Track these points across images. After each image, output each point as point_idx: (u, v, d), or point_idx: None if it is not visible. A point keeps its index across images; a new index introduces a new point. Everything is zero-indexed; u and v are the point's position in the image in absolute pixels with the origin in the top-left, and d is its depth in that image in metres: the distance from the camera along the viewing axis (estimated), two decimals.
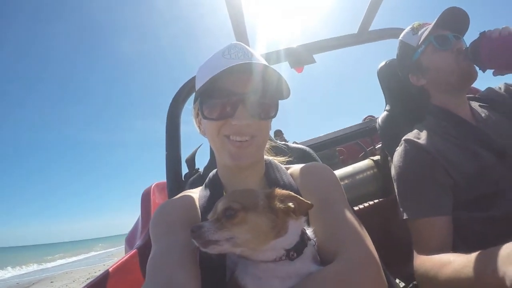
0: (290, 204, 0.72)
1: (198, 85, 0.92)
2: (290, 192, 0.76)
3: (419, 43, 1.34)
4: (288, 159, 1.17)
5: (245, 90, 0.86)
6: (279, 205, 0.72)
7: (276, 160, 1.11)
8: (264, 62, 0.92)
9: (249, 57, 0.89)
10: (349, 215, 0.81)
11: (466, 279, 0.84)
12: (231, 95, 0.86)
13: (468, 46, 1.23)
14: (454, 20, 1.29)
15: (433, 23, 1.31)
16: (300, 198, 0.74)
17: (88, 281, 1.16)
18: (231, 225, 0.67)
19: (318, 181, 0.93)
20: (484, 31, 1.17)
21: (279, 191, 0.76)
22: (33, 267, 20.76)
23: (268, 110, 0.91)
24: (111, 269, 1.25)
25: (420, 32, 1.36)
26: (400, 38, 1.46)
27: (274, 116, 0.94)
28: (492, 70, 1.19)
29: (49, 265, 21.78)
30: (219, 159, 0.98)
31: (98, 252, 32.10)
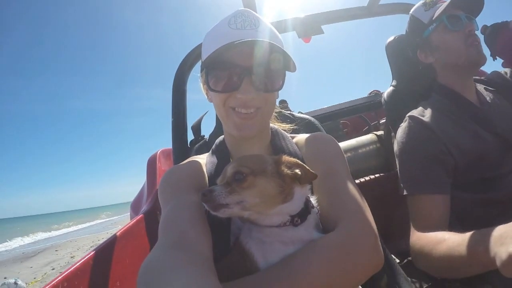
0: (297, 170, 0.73)
1: (204, 54, 0.91)
2: (297, 160, 0.77)
3: (432, 19, 1.30)
4: (294, 127, 1.18)
5: (250, 63, 0.85)
6: (286, 171, 0.73)
7: (282, 127, 1.12)
8: (272, 29, 0.92)
9: (256, 26, 0.87)
10: (351, 186, 0.82)
11: (459, 257, 0.87)
12: (236, 68, 0.86)
13: (489, 26, 1.20)
14: (468, 0, 1.25)
15: (447, 2, 1.27)
16: (306, 167, 0.75)
17: (92, 248, 1.20)
18: (241, 189, 0.68)
19: (323, 151, 0.94)
20: (508, 21, 1.14)
21: (286, 158, 0.76)
22: (39, 236, 21.27)
23: (273, 82, 0.90)
24: (118, 233, 1.28)
25: (432, 9, 1.32)
26: (411, 12, 1.42)
27: (280, 88, 0.93)
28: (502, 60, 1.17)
29: (54, 234, 22.38)
30: (225, 127, 0.99)
31: (102, 220, 32.90)
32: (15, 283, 5.75)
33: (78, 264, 1.02)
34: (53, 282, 0.89)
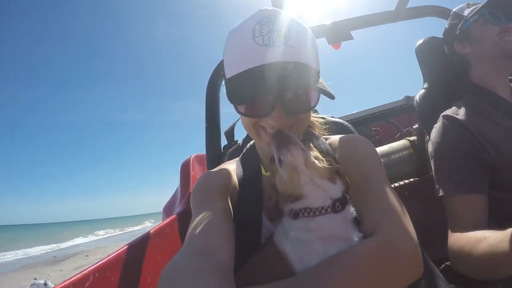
0: (340, 166, 0.78)
1: (227, 70, 0.84)
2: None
3: (474, 12, 1.33)
4: (326, 117, 1.21)
5: (281, 88, 0.76)
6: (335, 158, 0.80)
7: (316, 119, 1.12)
8: (305, 35, 0.82)
9: (286, 39, 0.77)
10: (388, 190, 0.78)
11: (502, 254, 0.82)
12: (265, 94, 0.78)
13: None
14: (506, 5, 1.28)
15: (487, 1, 1.30)
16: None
17: None
18: (305, 145, 0.74)
19: (358, 154, 0.88)
20: None
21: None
22: (76, 240, 22.25)
23: (308, 103, 0.83)
24: (152, 231, 1.31)
25: (474, 7, 1.36)
26: (454, 10, 1.45)
27: (314, 106, 0.85)
28: None
29: (90, 239, 23.31)
30: (256, 142, 0.98)
31: (137, 228, 34.45)
32: (45, 284, 5.96)
33: (110, 256, 1.03)
34: (85, 271, 0.90)
